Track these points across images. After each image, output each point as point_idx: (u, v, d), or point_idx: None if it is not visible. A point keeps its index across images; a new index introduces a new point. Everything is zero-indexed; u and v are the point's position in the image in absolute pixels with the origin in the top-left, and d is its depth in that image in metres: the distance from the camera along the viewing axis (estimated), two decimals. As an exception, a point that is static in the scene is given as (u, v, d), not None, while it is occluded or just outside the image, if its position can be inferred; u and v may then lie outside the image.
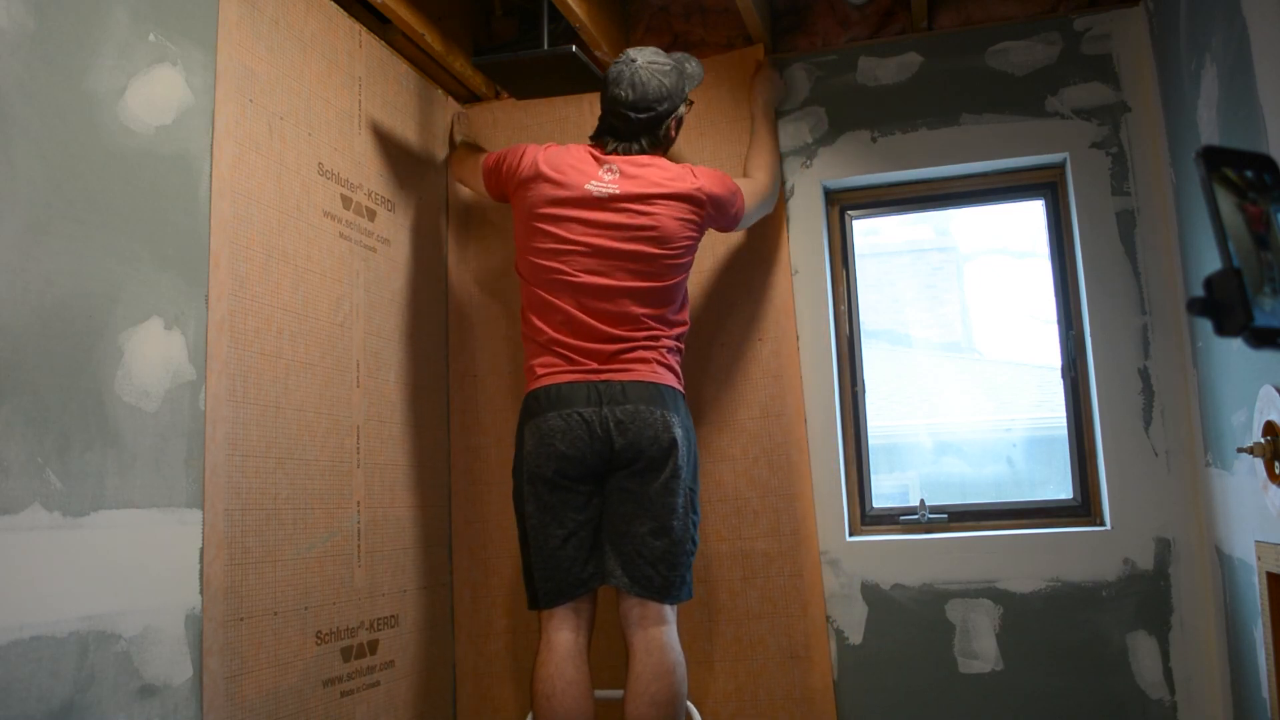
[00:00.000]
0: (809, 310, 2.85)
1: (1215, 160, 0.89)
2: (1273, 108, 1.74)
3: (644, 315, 2.33)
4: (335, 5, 2.51)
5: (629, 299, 2.32)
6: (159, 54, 1.93)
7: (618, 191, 2.33)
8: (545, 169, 2.38)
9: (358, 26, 2.60)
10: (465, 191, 3.09)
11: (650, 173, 2.37)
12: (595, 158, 2.41)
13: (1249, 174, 0.90)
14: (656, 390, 2.29)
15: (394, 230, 2.72)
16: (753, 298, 2.85)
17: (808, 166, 2.91)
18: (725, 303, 2.86)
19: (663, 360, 2.35)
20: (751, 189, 2.57)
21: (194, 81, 2.02)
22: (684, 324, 2.44)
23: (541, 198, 2.36)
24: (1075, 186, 2.73)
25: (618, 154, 2.41)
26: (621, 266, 2.32)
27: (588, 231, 2.32)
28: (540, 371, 2.33)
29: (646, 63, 2.40)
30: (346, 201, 2.51)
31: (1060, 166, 2.81)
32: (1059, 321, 2.81)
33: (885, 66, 2.90)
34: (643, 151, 2.43)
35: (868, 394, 2.92)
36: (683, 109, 2.49)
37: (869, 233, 3.15)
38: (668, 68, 2.42)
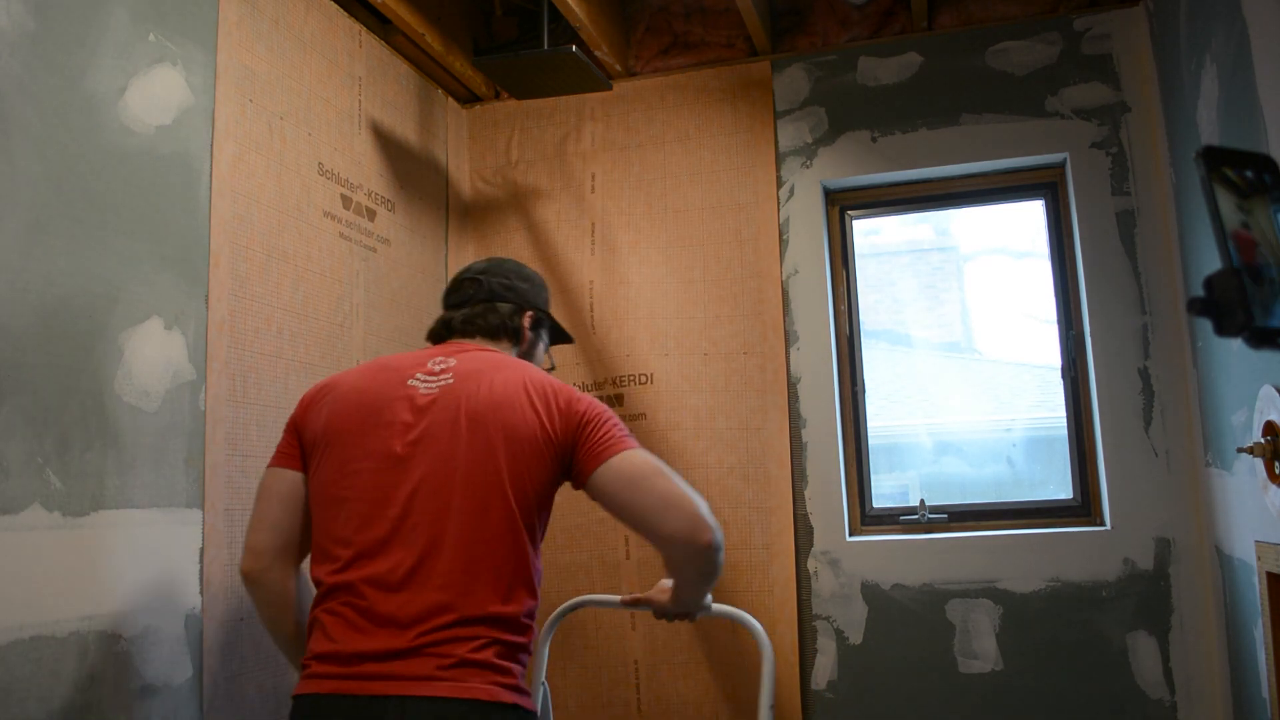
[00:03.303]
0: (809, 311, 2.85)
1: (1215, 160, 0.89)
2: (1273, 108, 1.74)
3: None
4: (335, 5, 2.51)
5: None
6: (159, 54, 1.93)
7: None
8: None
9: (358, 26, 2.60)
10: (465, 191, 3.08)
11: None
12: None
13: (1249, 174, 0.90)
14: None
15: (394, 230, 2.72)
16: (741, 311, 2.85)
17: (808, 166, 2.91)
18: (711, 315, 2.86)
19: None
20: None
21: (194, 81, 2.02)
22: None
23: None
24: (1075, 186, 2.73)
25: None
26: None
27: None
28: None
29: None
30: (346, 201, 2.51)
31: (1060, 166, 2.81)
32: (1059, 321, 2.81)
33: (885, 66, 2.90)
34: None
35: (868, 394, 2.92)
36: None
37: (869, 233, 3.14)
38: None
